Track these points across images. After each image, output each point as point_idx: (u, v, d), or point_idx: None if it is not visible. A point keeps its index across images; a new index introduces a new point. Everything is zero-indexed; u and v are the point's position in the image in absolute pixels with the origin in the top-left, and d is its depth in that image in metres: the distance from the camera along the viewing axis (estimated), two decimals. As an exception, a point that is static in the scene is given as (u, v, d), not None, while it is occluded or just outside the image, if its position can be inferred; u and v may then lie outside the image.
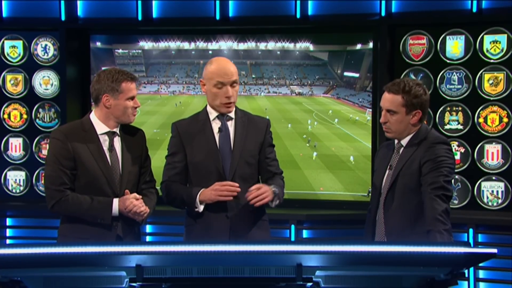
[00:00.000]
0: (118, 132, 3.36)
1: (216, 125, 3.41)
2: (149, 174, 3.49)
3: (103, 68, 5.60)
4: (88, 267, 2.20)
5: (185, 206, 3.41)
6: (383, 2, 5.11)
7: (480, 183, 5.06)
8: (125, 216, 3.26)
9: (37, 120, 5.71)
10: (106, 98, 3.26)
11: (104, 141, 3.31)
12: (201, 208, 3.33)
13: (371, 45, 5.27)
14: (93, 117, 3.34)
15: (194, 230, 3.41)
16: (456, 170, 4.85)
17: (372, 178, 3.44)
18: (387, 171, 3.27)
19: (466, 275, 4.92)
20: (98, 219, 3.23)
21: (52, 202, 3.23)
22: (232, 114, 3.43)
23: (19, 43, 5.70)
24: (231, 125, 3.42)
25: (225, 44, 5.59)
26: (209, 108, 3.44)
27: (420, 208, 3.06)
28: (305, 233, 5.31)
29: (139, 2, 5.48)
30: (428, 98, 3.23)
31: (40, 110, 5.70)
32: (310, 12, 5.33)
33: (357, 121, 5.61)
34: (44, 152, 5.62)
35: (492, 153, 5.01)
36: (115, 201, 3.24)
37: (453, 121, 5.09)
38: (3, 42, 5.70)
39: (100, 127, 3.31)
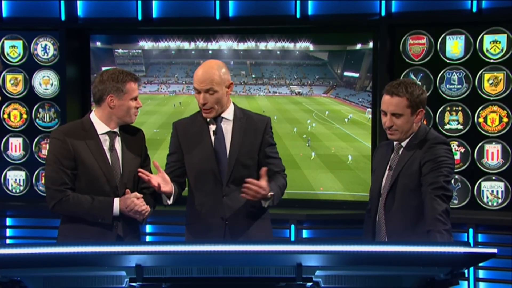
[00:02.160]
0: (118, 132, 3.36)
1: (212, 127, 3.39)
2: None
3: (103, 69, 5.60)
4: (88, 267, 2.20)
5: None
6: (383, 2, 5.11)
7: (480, 183, 5.06)
8: (125, 216, 3.26)
9: (37, 120, 5.71)
10: (110, 98, 3.26)
11: (105, 141, 3.31)
12: (168, 201, 3.32)
13: (371, 45, 5.27)
14: (94, 117, 3.33)
15: (194, 229, 3.42)
16: (456, 170, 4.86)
17: (371, 178, 3.44)
18: (387, 172, 3.26)
19: (466, 275, 4.92)
20: (99, 219, 3.23)
21: (53, 203, 3.23)
22: (229, 116, 3.40)
23: (19, 43, 5.69)
24: (228, 126, 3.39)
25: (225, 44, 5.59)
26: None
27: (421, 209, 3.05)
28: (305, 233, 5.31)
29: (139, 2, 5.48)
30: (426, 96, 3.25)
31: (40, 110, 5.70)
32: (310, 12, 5.33)
33: (354, 119, 5.60)
34: (44, 152, 5.62)
35: (492, 153, 5.01)
36: (116, 201, 3.24)
37: (453, 121, 5.09)
38: (3, 42, 5.69)
39: (101, 127, 3.31)
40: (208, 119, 3.39)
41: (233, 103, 3.46)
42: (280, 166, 3.49)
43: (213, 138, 3.38)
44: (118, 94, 3.26)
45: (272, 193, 3.28)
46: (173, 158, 3.45)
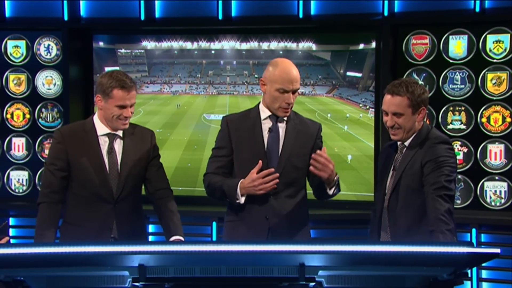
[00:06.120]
0: (120, 134, 3.34)
1: (266, 125, 3.36)
2: (162, 179, 3.44)
3: (106, 69, 5.61)
4: (91, 266, 2.20)
5: (226, 198, 3.33)
6: (386, 2, 5.11)
7: (483, 183, 5.05)
8: (121, 219, 3.27)
9: (40, 120, 5.72)
10: (98, 98, 3.26)
11: (105, 143, 3.30)
12: (242, 200, 3.27)
13: (373, 45, 5.27)
14: (96, 118, 3.33)
15: (236, 227, 3.38)
16: (459, 170, 4.85)
17: (376, 179, 3.44)
18: (391, 172, 3.26)
19: (469, 275, 4.92)
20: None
21: (38, 201, 3.28)
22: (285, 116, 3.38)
23: (22, 43, 5.70)
24: (282, 126, 3.37)
25: (228, 44, 5.59)
26: (261, 107, 3.39)
27: (425, 208, 3.05)
28: (307, 233, 5.30)
29: (142, 2, 5.49)
30: (428, 95, 3.25)
31: (43, 110, 5.71)
32: (312, 11, 5.34)
33: (356, 119, 5.60)
34: (47, 152, 5.63)
35: (495, 153, 5.01)
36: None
37: (456, 121, 5.08)
38: (6, 42, 5.70)
39: (101, 128, 3.30)
40: (262, 117, 3.36)
41: None
42: None
43: (266, 136, 3.35)
44: (104, 97, 3.22)
45: (338, 176, 3.27)
46: (221, 152, 3.40)
